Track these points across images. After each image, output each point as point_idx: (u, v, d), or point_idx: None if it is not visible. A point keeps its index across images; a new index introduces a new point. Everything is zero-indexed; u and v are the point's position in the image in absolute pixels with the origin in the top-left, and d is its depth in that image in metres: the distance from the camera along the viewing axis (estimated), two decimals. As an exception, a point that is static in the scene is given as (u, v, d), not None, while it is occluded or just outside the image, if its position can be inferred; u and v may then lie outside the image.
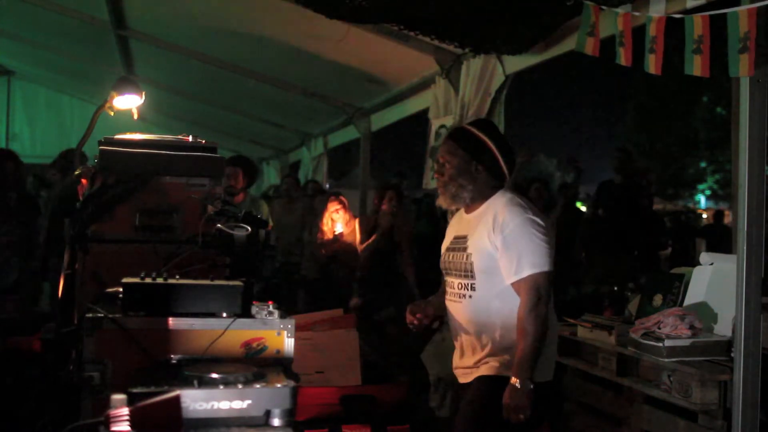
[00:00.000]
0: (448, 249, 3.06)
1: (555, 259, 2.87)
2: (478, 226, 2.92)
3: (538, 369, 2.82)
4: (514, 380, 2.71)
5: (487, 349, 2.88)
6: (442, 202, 3.06)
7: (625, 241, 6.94)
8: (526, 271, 2.77)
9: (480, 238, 2.88)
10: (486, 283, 2.86)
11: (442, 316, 3.13)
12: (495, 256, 2.84)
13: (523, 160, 6.78)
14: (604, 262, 6.96)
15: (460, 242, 2.98)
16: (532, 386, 2.71)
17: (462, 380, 3.00)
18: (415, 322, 3.02)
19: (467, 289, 2.91)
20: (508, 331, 2.82)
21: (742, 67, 2.67)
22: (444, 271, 3.07)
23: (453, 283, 2.99)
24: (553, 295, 2.93)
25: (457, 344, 3.04)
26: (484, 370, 2.87)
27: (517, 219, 2.82)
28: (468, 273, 2.90)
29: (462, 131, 3.06)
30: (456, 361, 3.06)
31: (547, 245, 2.81)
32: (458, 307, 2.96)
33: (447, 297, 3.03)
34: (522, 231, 2.80)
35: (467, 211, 3.04)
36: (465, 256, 2.92)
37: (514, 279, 2.80)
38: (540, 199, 6.92)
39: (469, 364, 2.95)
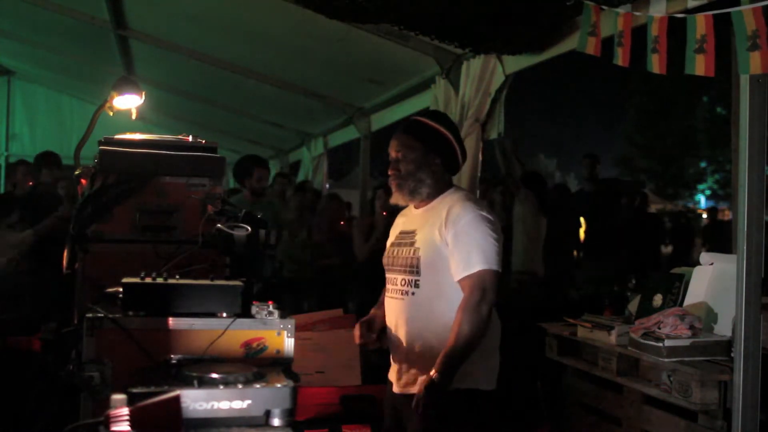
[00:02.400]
0: (393, 244, 2.95)
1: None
2: (428, 220, 2.82)
3: (481, 376, 2.74)
4: (433, 373, 2.57)
5: (424, 356, 2.74)
6: (398, 199, 2.92)
7: (610, 245, 7.03)
8: (477, 267, 2.66)
9: (430, 232, 2.78)
10: (431, 280, 2.75)
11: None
12: (443, 252, 2.73)
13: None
14: (596, 266, 7.03)
15: (407, 237, 2.88)
16: (449, 384, 2.58)
17: (397, 389, 2.86)
18: (369, 346, 2.95)
19: (410, 286, 2.79)
20: (447, 335, 2.69)
21: (754, 64, 2.66)
22: (386, 268, 2.94)
23: (396, 279, 2.86)
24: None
25: (392, 346, 2.90)
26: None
27: (471, 214, 2.73)
28: (413, 268, 2.79)
29: (416, 123, 2.94)
30: (393, 364, 2.92)
31: (498, 244, 2.72)
32: (399, 304, 2.83)
33: (387, 294, 2.91)
34: (475, 226, 2.71)
35: (417, 207, 2.94)
36: (412, 251, 2.81)
37: (463, 274, 2.68)
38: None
39: (406, 374, 2.81)
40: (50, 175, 6.53)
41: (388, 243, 3.01)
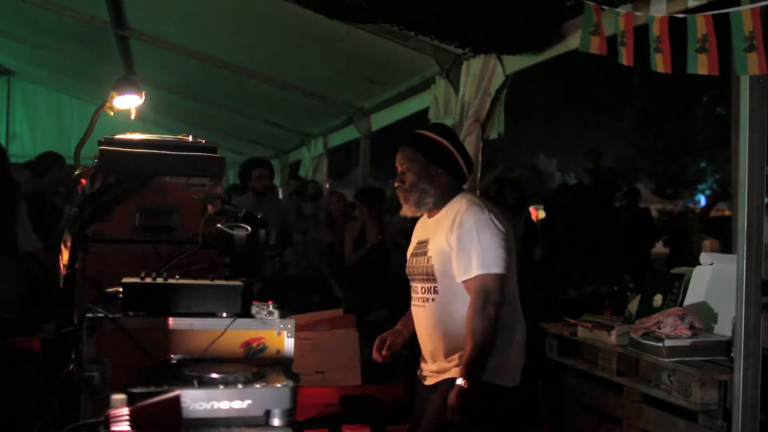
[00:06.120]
0: (411, 255, 3.07)
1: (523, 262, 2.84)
2: (438, 229, 2.92)
3: (501, 373, 2.80)
4: (461, 381, 2.68)
5: (453, 352, 2.85)
6: (406, 211, 3.04)
7: (598, 243, 7.03)
8: (475, 272, 2.76)
9: (439, 241, 2.88)
10: (447, 285, 2.86)
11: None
12: (452, 258, 2.82)
13: (499, 174, 6.86)
14: (584, 265, 7.03)
15: (422, 246, 2.99)
16: (477, 388, 2.68)
17: (427, 382, 2.97)
18: (380, 359, 3.03)
19: (430, 293, 2.91)
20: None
21: (751, 65, 2.66)
22: (409, 277, 3.06)
23: (417, 288, 2.99)
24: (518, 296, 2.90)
25: (423, 349, 3.02)
26: (453, 372, 2.82)
27: (473, 218, 2.81)
28: (430, 276, 2.90)
29: (418, 136, 3.06)
30: (422, 364, 3.04)
31: (502, 248, 2.79)
32: (422, 311, 2.96)
33: (412, 302, 3.03)
34: (476, 230, 2.79)
35: (429, 216, 3.04)
36: (426, 260, 2.92)
37: (462, 278, 2.78)
38: (515, 199, 7.04)
39: (435, 369, 2.93)
40: (57, 176, 6.48)
41: (408, 253, 3.11)
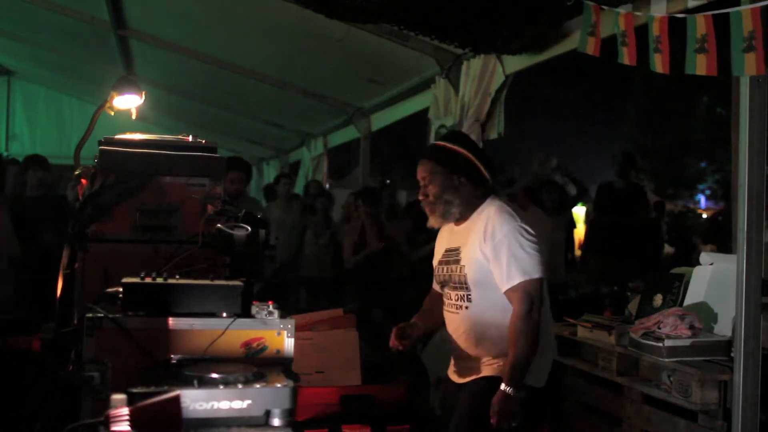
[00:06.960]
0: (440, 263, 3.09)
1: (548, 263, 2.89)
2: (469, 237, 2.94)
3: (533, 374, 2.84)
4: (504, 387, 2.73)
5: (486, 356, 2.92)
6: (433, 222, 3.05)
7: (628, 243, 7.01)
8: (517, 279, 2.79)
9: (472, 249, 2.90)
10: (481, 293, 2.89)
11: (433, 330, 3.20)
12: (487, 267, 2.86)
13: (545, 165, 6.76)
14: (605, 264, 7.01)
15: (453, 254, 3.00)
16: (522, 393, 2.73)
17: (456, 379, 3.03)
18: (400, 347, 3.06)
19: (464, 300, 2.94)
20: (505, 339, 2.83)
21: (748, 66, 2.66)
22: (441, 284, 3.09)
23: (450, 294, 3.01)
24: (549, 299, 2.95)
25: (454, 354, 3.07)
26: (486, 371, 2.90)
27: (506, 227, 2.84)
28: (463, 285, 2.93)
29: (436, 148, 3.08)
30: (451, 365, 3.09)
31: (537, 252, 2.83)
32: (456, 318, 2.99)
33: (445, 308, 3.06)
34: (511, 239, 2.82)
35: (457, 224, 3.04)
36: (459, 268, 2.94)
37: (506, 287, 2.82)
38: (552, 201, 6.91)
39: (467, 366, 2.98)
40: (35, 176, 6.41)
41: (436, 261, 3.14)
